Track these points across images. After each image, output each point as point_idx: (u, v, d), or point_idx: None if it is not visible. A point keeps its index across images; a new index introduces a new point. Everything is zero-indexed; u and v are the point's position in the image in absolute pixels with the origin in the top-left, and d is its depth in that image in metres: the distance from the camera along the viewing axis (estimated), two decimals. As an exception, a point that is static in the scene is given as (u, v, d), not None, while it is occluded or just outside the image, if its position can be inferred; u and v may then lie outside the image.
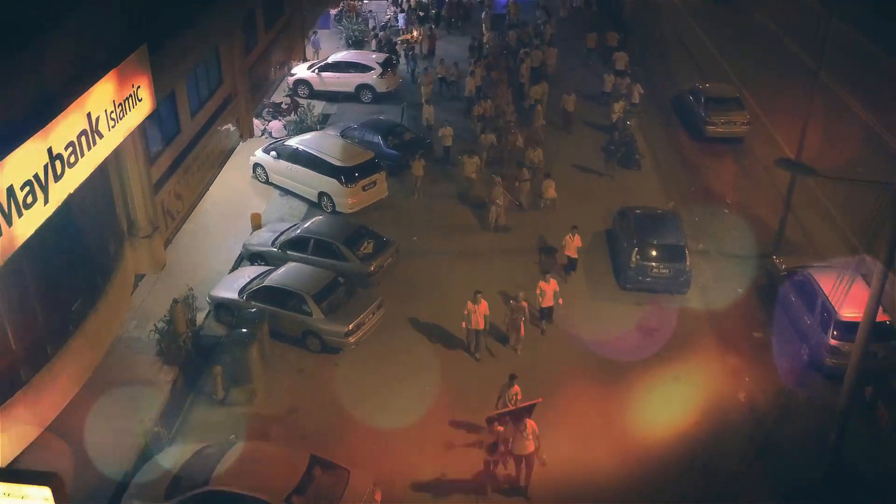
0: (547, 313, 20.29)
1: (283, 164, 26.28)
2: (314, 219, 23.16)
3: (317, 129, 30.26)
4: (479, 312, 18.89)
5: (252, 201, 26.33)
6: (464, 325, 19.27)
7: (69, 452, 14.91)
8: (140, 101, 14.80)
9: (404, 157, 27.92)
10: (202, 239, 23.77)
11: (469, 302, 18.99)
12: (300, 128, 30.07)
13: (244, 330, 18.57)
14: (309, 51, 36.75)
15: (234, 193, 26.42)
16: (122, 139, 14.29)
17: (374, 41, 38.05)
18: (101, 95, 13.31)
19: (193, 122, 19.75)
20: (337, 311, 19.48)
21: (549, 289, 19.85)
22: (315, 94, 33.77)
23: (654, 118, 32.62)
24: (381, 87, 33.55)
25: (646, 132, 31.07)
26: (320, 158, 25.45)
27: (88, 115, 12.85)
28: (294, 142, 26.51)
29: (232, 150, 22.95)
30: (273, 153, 26.57)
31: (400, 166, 27.67)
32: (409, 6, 42.45)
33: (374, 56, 34.84)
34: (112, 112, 13.73)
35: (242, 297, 20.07)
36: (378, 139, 28.24)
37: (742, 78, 35.93)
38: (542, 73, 35.11)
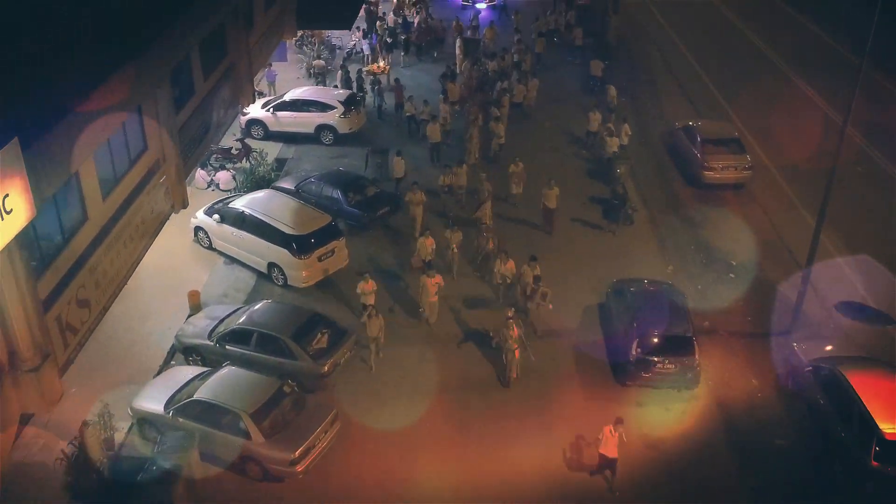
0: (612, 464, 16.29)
1: (227, 229, 22.94)
2: (259, 304, 19.77)
3: (272, 177, 27.04)
4: None
5: (192, 271, 23.03)
6: None
7: None
8: (10, 212, 11.43)
9: (367, 215, 24.74)
10: (130, 323, 20.37)
11: None
12: (252, 179, 26.72)
13: (166, 464, 15.26)
14: (263, 85, 33.38)
15: (172, 260, 23.00)
16: (-19, 267, 10.96)
17: (339, 72, 34.65)
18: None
19: (106, 204, 16.29)
20: (281, 433, 16.19)
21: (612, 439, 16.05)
22: (270, 136, 30.47)
23: (645, 160, 29.48)
24: (344, 128, 30.19)
25: (637, 178, 28.00)
26: (269, 225, 22.11)
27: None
28: (240, 204, 23.11)
29: (162, 224, 19.55)
30: (216, 216, 23.21)
31: (362, 226, 24.50)
32: (377, 32, 39.01)
33: (335, 93, 31.52)
34: (-36, 237, 10.41)
35: (168, 413, 16.76)
36: (338, 194, 24.96)
37: (737, 109, 32.98)
38: (522, 109, 32.01)
